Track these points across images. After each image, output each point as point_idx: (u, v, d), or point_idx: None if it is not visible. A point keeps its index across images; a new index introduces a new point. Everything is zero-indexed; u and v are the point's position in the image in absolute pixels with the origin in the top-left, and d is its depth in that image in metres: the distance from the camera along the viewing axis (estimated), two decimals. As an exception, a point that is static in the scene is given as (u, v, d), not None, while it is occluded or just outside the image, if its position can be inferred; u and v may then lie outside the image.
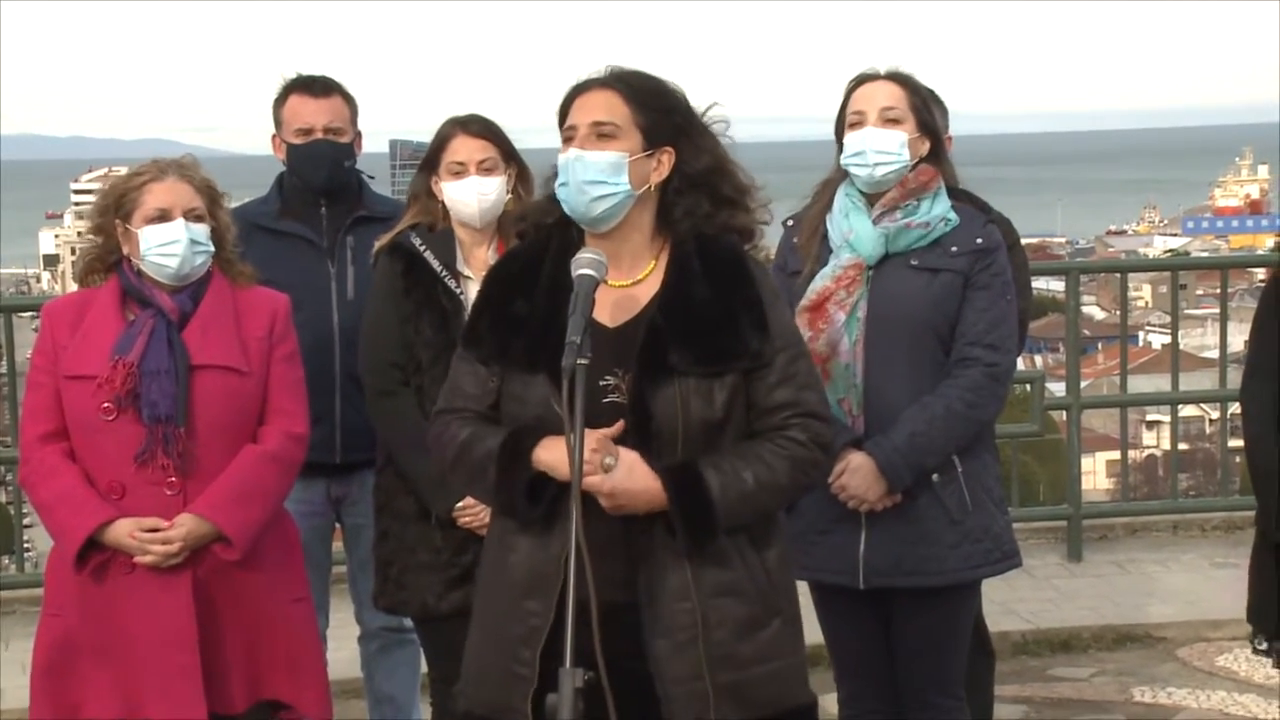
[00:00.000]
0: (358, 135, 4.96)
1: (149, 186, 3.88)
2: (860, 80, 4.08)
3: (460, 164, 4.25)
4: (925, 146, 4.05)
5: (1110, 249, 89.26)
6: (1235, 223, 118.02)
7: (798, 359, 3.22)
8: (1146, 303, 64.91)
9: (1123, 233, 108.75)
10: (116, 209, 3.90)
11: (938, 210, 4.02)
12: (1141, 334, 53.70)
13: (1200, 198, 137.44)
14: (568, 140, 3.18)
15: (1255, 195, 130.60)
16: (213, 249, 3.93)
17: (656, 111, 3.18)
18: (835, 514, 3.99)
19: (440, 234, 4.29)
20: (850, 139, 4.04)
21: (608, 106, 3.16)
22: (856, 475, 3.92)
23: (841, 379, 3.97)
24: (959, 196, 4.17)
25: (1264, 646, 4.38)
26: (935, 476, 3.97)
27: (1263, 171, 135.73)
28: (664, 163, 3.18)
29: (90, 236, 3.96)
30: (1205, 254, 59.78)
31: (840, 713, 4.30)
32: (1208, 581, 7.32)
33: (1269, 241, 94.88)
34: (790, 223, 4.18)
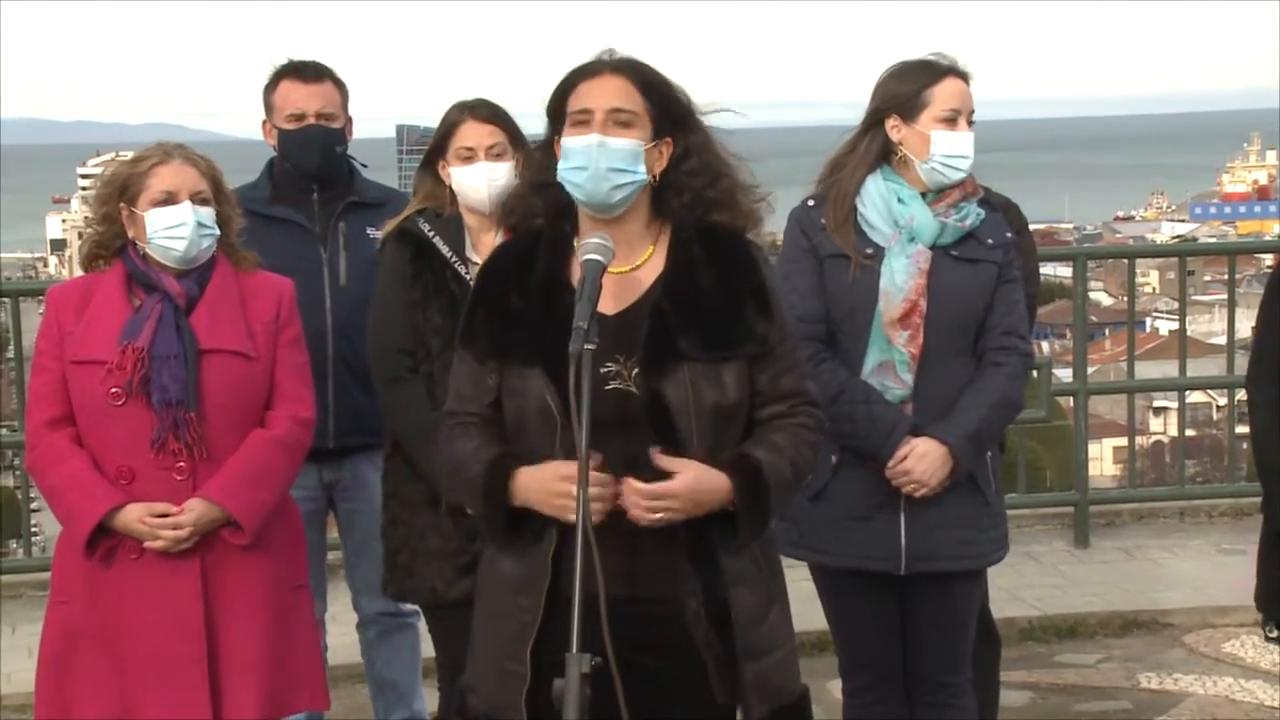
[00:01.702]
0: (349, 121, 4.93)
1: (155, 170, 3.87)
2: (943, 73, 4.02)
3: (469, 149, 4.22)
4: None
5: (1118, 235, 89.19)
6: (1243, 208, 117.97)
7: (796, 347, 3.26)
8: (1154, 289, 64.82)
9: (1130, 219, 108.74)
10: (122, 193, 3.89)
11: (972, 208, 4.07)
12: (1149, 320, 53.61)
13: (1208, 183, 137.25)
14: (580, 124, 3.14)
15: (1263, 181, 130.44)
16: (218, 232, 3.91)
17: (662, 102, 3.17)
18: (874, 501, 4.01)
19: (448, 219, 4.26)
20: (949, 138, 3.99)
21: (624, 93, 3.14)
22: (924, 460, 3.94)
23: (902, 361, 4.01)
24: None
25: (1276, 634, 4.37)
26: None
27: (1271, 157, 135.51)
28: (664, 153, 3.17)
29: (94, 222, 3.94)
30: (1213, 240, 59.65)
31: (846, 703, 4.29)
32: (1215, 568, 7.31)
33: (1276, 227, 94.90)
34: (811, 203, 4.12)
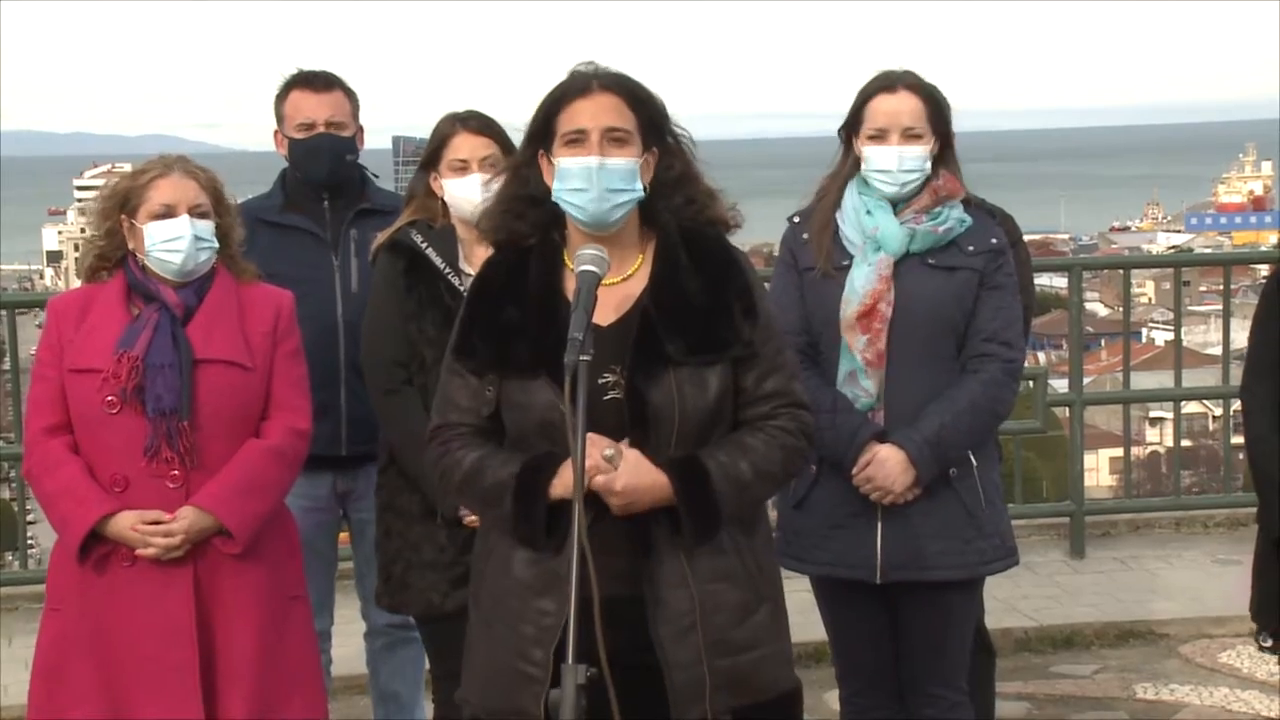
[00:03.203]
0: (359, 129, 4.96)
1: (155, 183, 3.90)
2: (878, 88, 4.08)
3: (463, 161, 4.23)
4: (938, 147, 4.10)
5: (1113, 245, 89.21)
6: (1238, 219, 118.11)
7: (784, 349, 3.27)
8: (1150, 299, 64.89)
9: (1126, 229, 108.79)
10: (122, 205, 3.92)
11: (955, 214, 4.09)
12: (1144, 330, 53.69)
13: (1204, 194, 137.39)
14: (574, 144, 3.14)
15: (1259, 192, 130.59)
16: (217, 245, 3.94)
17: (649, 114, 3.20)
18: (851, 509, 4.04)
19: (441, 231, 4.27)
20: (873, 154, 4.06)
21: (617, 111, 3.15)
22: (884, 466, 3.98)
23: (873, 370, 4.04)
24: (968, 199, 4.18)
25: (1269, 644, 4.37)
26: (953, 471, 4.05)
27: (1266, 168, 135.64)
28: (650, 164, 3.20)
29: (94, 234, 3.97)
30: (1208, 250, 59.78)
31: (842, 710, 4.32)
32: (1210, 578, 7.31)
33: (1272, 238, 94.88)
34: (796, 219, 4.21)
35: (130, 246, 3.93)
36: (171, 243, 3.87)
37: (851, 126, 4.12)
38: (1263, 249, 54.93)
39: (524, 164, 3.25)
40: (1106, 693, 6.12)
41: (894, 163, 4.05)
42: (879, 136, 4.06)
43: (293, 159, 4.90)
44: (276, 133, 4.96)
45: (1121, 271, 9.21)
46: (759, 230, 3.33)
